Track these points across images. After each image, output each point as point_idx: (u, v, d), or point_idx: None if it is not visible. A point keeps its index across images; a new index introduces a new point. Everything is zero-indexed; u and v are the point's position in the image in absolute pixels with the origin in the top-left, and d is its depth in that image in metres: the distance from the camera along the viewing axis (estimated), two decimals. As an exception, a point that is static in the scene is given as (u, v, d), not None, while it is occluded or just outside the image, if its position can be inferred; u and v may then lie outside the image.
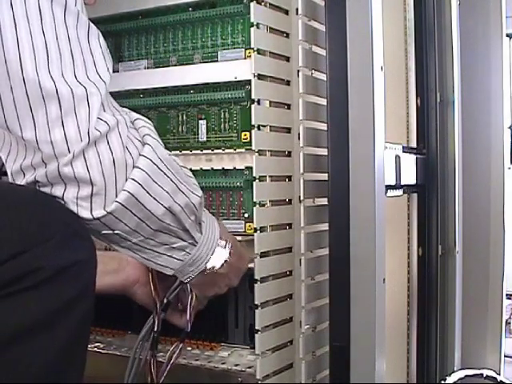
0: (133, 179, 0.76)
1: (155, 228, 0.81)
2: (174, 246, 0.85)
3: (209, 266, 0.91)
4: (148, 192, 0.77)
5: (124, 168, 0.75)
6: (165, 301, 1.02)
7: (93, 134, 0.73)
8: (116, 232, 0.78)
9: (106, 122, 0.74)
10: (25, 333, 0.68)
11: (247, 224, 1.06)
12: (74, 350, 0.73)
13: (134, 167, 0.76)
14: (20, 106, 0.71)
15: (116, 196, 0.75)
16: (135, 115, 0.81)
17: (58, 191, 0.74)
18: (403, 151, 1.11)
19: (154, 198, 0.78)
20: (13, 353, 0.68)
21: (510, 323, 2.16)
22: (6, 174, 0.78)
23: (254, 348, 1.05)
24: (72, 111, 0.72)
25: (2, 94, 0.71)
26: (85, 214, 0.75)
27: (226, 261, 0.93)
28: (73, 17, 0.74)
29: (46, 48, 0.71)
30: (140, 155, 0.77)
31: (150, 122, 0.82)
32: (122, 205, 0.76)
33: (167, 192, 0.80)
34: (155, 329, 1.01)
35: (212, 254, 0.90)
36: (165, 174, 0.79)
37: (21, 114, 0.72)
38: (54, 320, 0.70)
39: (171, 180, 0.80)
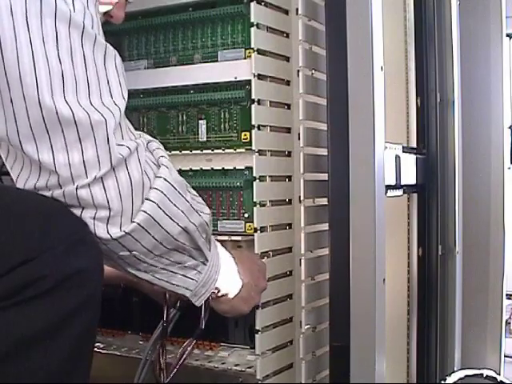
0: (150, 200, 0.77)
1: (170, 247, 0.82)
2: (186, 264, 0.86)
3: (222, 291, 0.93)
4: (165, 212, 0.79)
5: (141, 190, 0.77)
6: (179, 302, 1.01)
7: (115, 158, 0.74)
8: (133, 253, 0.79)
9: (127, 146, 0.75)
10: (30, 342, 0.68)
11: (247, 224, 1.06)
12: (78, 358, 0.73)
13: (150, 188, 0.78)
14: (37, 130, 0.72)
15: (133, 216, 0.76)
16: (148, 137, 0.83)
17: (75, 211, 0.75)
18: (403, 151, 1.11)
19: (171, 218, 0.80)
20: (19, 361, 0.68)
21: (510, 323, 2.16)
22: (6, 173, 0.78)
23: (254, 348, 1.05)
24: (90, 135, 0.73)
25: (17, 117, 0.71)
26: (102, 233, 0.75)
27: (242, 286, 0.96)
28: (90, 40, 0.74)
29: (62, 73, 0.71)
30: (156, 176, 0.79)
31: (159, 143, 0.84)
32: (140, 225, 0.77)
33: (183, 212, 0.81)
34: (165, 319, 1.01)
35: (218, 274, 0.91)
36: (180, 193, 0.81)
37: (38, 137, 0.72)
38: (58, 328, 0.70)
39: (186, 200, 0.82)
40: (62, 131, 0.72)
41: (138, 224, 0.77)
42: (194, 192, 0.88)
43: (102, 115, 0.73)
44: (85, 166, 0.73)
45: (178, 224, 0.81)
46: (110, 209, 0.75)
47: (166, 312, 1.01)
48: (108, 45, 0.77)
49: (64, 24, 0.72)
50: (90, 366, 0.76)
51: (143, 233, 0.77)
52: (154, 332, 1.02)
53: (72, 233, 0.72)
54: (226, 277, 0.93)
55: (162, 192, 0.78)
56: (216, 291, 0.92)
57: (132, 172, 0.76)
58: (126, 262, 0.81)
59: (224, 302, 0.95)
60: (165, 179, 0.79)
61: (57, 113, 0.71)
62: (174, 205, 0.80)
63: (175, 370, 0.99)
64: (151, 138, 0.83)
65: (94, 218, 0.75)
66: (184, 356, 1.00)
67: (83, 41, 0.73)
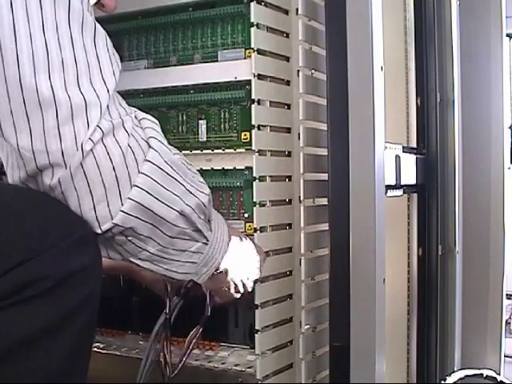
0: (137, 186, 0.74)
1: (171, 235, 0.79)
2: (192, 249, 0.83)
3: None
4: (156, 198, 0.75)
5: (126, 174, 0.73)
6: (182, 290, 0.98)
7: (87, 143, 0.70)
8: (129, 239, 0.76)
9: (100, 128, 0.71)
10: (31, 341, 0.68)
11: (247, 224, 1.06)
12: (79, 355, 0.73)
13: (138, 173, 0.74)
14: (17, 113, 0.69)
15: (122, 205, 0.73)
16: (141, 115, 0.79)
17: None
18: (403, 151, 1.11)
19: (164, 203, 0.76)
20: (19, 361, 0.68)
21: (510, 323, 2.16)
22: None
23: (254, 348, 1.05)
24: (69, 121, 0.69)
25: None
26: (95, 228, 0.73)
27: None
28: (78, 18, 0.71)
29: (47, 53, 0.69)
30: (145, 160, 0.74)
31: (156, 121, 0.80)
32: (128, 213, 0.74)
33: (177, 195, 0.77)
34: (167, 311, 0.99)
35: (225, 252, 0.88)
36: (172, 177, 0.77)
37: (17, 120, 0.69)
38: (60, 326, 0.69)
39: (179, 182, 0.78)
40: (42, 114, 0.69)
41: (125, 212, 0.73)
42: (195, 170, 0.84)
43: (84, 100, 0.70)
44: (63, 154, 0.70)
45: (172, 208, 0.77)
46: (93, 198, 0.72)
47: (168, 303, 1.00)
48: (97, 23, 0.74)
49: (49, 2, 0.69)
50: (88, 365, 0.75)
51: (133, 220, 0.74)
52: (157, 323, 1.01)
53: (70, 232, 0.71)
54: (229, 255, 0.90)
55: (150, 177, 0.74)
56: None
57: (112, 154, 0.72)
58: (126, 251, 0.78)
59: (219, 280, 0.92)
60: (153, 163, 0.75)
61: (37, 93, 0.68)
62: (166, 189, 0.76)
63: (183, 360, 0.97)
64: (145, 115, 0.79)
65: (81, 212, 0.73)
66: (191, 345, 0.98)
67: (70, 19, 0.70)
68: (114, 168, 0.72)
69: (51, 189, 0.72)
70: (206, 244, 0.85)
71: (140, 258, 0.80)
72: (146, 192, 0.74)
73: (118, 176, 0.73)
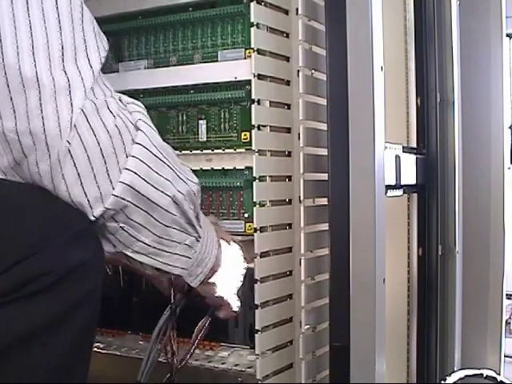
0: (128, 169, 0.72)
1: (164, 223, 0.77)
2: (187, 242, 0.81)
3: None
4: (148, 181, 0.74)
5: (114, 155, 0.72)
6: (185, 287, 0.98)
7: (70, 124, 0.69)
8: (121, 226, 0.75)
9: (84, 108, 0.70)
10: (31, 337, 0.67)
11: (247, 224, 1.06)
12: (79, 352, 0.72)
13: (127, 156, 0.72)
14: (1, 96, 0.68)
15: (113, 189, 0.72)
16: (127, 99, 0.77)
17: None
18: (403, 151, 1.11)
19: (156, 188, 0.75)
20: (20, 357, 0.67)
21: (510, 323, 2.16)
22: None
23: (253, 348, 1.05)
24: (52, 101, 0.68)
25: None
26: (87, 214, 0.72)
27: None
28: None
29: (31, 33, 0.68)
30: (134, 143, 0.73)
31: (142, 106, 0.78)
32: (120, 197, 0.72)
33: (168, 180, 0.76)
34: (172, 301, 0.97)
35: (216, 254, 0.87)
36: (163, 161, 0.75)
37: (1, 103, 0.68)
38: (61, 322, 0.69)
39: (170, 167, 0.76)
40: (25, 95, 0.68)
41: (117, 196, 0.72)
42: (182, 161, 0.82)
43: (68, 81, 0.69)
44: (45, 136, 0.68)
45: (165, 193, 0.75)
46: (82, 185, 0.70)
47: (172, 295, 0.98)
48: (83, 4, 0.72)
49: None
50: (89, 362, 0.75)
51: (126, 204, 0.73)
52: (161, 318, 0.99)
53: (70, 226, 0.70)
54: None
55: (141, 160, 0.73)
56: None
57: (97, 134, 0.70)
58: (120, 242, 0.77)
59: (212, 283, 0.90)
60: (143, 145, 0.73)
61: (20, 74, 0.67)
62: (157, 173, 0.74)
63: (192, 350, 0.95)
64: (132, 100, 0.77)
65: (72, 202, 0.71)
66: (200, 335, 0.96)
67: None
68: (100, 149, 0.71)
69: (40, 176, 0.71)
70: (198, 241, 0.84)
71: (135, 251, 0.78)
72: (138, 175, 0.73)
73: (105, 157, 0.71)
